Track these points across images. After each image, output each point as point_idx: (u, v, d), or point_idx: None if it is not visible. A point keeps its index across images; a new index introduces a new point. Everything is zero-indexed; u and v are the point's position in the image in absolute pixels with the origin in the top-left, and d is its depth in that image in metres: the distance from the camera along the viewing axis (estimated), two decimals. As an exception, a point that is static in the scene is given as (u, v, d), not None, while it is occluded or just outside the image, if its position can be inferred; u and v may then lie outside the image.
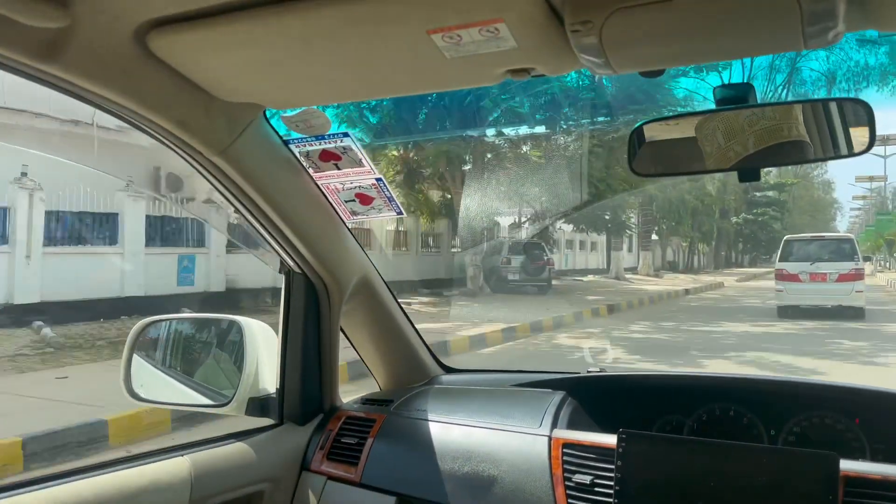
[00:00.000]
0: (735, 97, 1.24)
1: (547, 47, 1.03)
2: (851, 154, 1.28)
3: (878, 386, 1.64)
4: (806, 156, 1.32)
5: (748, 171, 1.28)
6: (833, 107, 1.28)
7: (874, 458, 1.47)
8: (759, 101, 1.25)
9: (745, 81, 1.28)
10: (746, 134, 1.26)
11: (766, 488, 1.23)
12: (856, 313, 14.93)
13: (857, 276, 15.24)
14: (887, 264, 47.16)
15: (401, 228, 21.57)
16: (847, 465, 1.21)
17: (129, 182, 14.03)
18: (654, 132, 1.41)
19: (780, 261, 16.23)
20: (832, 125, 1.28)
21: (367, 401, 1.86)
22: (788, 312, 15.34)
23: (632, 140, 1.39)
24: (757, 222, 50.33)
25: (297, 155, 1.54)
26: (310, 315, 1.74)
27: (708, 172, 1.39)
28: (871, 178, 53.82)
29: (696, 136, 1.32)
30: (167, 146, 1.37)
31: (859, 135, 1.27)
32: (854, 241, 16.87)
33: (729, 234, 48.85)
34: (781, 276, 15.82)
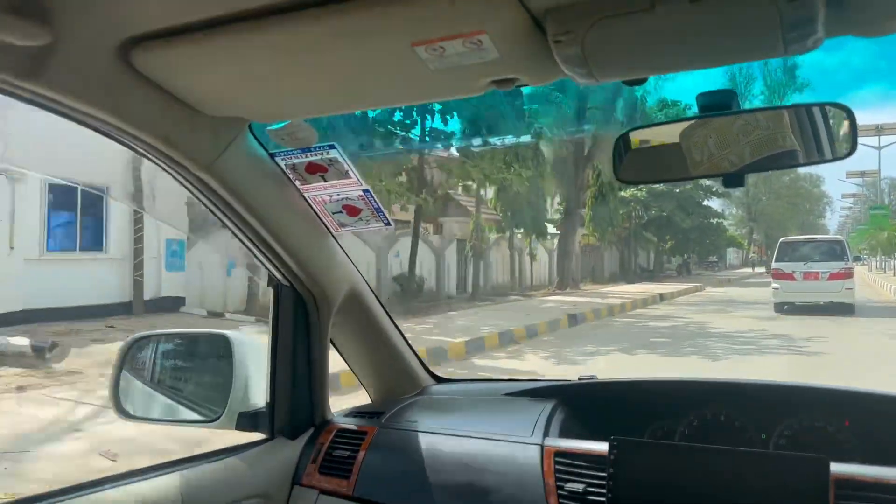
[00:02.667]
0: (718, 104, 1.25)
1: (530, 58, 1.04)
2: (835, 158, 1.30)
3: (869, 388, 1.65)
4: (793, 161, 1.33)
5: (733, 177, 1.28)
6: (816, 111, 1.29)
7: (865, 461, 1.47)
8: (741, 108, 1.26)
9: (728, 88, 1.28)
10: (742, 144, 1.27)
11: (758, 492, 1.23)
12: (846, 309, 16.22)
13: (847, 274, 16.80)
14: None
15: None
16: (838, 468, 1.21)
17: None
18: (638, 140, 1.41)
19: (776, 261, 17.86)
20: (816, 130, 1.29)
21: (358, 413, 1.85)
22: (784, 308, 16.78)
23: (617, 147, 1.40)
24: (675, 198, 30.17)
25: (284, 168, 1.54)
26: (299, 328, 1.73)
27: (696, 178, 1.40)
28: (863, 174, 48.82)
29: (685, 142, 1.33)
30: (152, 161, 1.37)
31: (842, 139, 1.28)
32: (844, 242, 18.50)
33: (610, 215, 25.59)
34: (778, 275, 17.39)
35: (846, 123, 1.26)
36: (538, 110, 19.78)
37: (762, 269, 41.14)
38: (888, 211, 40.95)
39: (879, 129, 37.76)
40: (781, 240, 19.30)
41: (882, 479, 1.20)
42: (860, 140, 1.32)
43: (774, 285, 17.34)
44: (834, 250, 17.44)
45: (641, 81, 1.12)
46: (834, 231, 63.81)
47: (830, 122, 1.29)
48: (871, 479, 1.20)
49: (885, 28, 0.95)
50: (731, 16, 0.92)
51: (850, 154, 1.29)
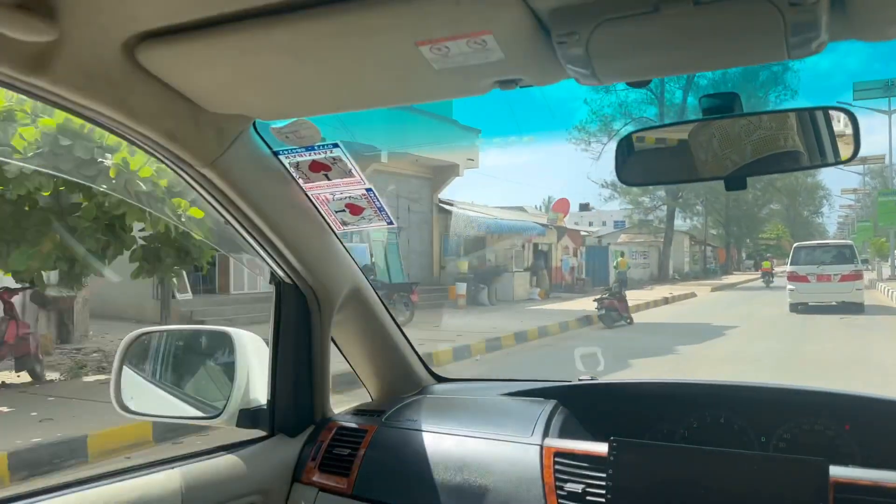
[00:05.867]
0: (721, 106, 1.25)
1: (534, 58, 1.04)
2: (838, 162, 1.30)
3: (869, 392, 1.65)
4: (796, 164, 1.33)
5: (734, 180, 1.29)
6: (819, 115, 1.29)
7: (864, 464, 1.47)
8: (744, 111, 1.27)
9: (731, 91, 1.29)
10: (744, 143, 1.27)
11: (757, 495, 1.24)
12: (856, 308, 17.25)
13: (857, 276, 17.98)
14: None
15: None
16: (837, 472, 1.21)
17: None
18: (641, 141, 1.41)
19: (791, 264, 18.88)
20: (819, 133, 1.29)
21: (358, 411, 1.86)
22: (799, 308, 17.77)
23: (620, 149, 1.40)
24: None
25: (287, 166, 1.54)
26: (300, 326, 1.73)
27: (698, 181, 1.40)
28: (855, 191, 45.37)
29: (689, 143, 1.33)
30: (156, 158, 1.37)
31: (845, 142, 1.28)
32: (853, 246, 19.94)
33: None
34: (793, 277, 18.44)
35: (849, 127, 1.26)
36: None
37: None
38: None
39: (864, 160, 35.39)
40: (795, 245, 20.56)
41: (881, 483, 1.20)
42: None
43: (790, 287, 18.51)
44: (844, 254, 18.71)
45: (645, 83, 1.13)
46: (833, 231, 60.64)
47: (833, 125, 1.29)
48: (871, 482, 1.20)
49: (889, 32, 0.95)
50: (735, 19, 0.93)
51: (853, 158, 1.29)
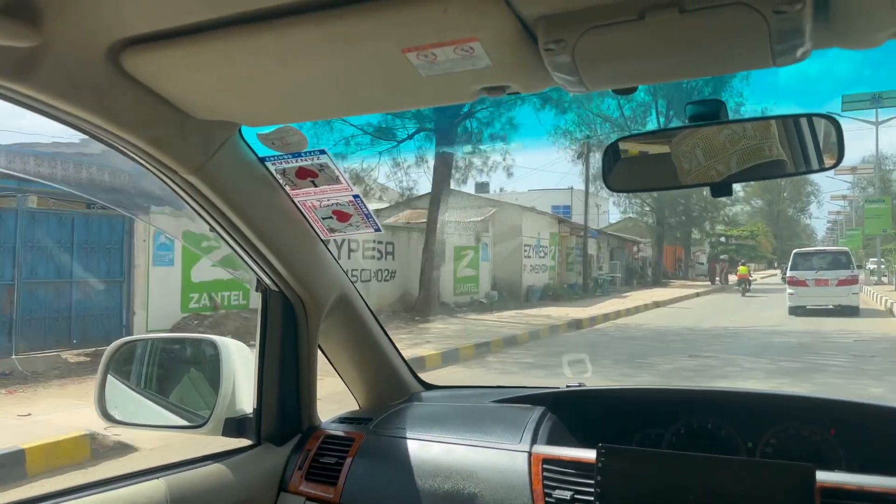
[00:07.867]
0: (707, 113, 1.26)
1: (521, 66, 1.04)
2: (822, 168, 1.31)
3: (854, 398, 1.66)
4: (781, 171, 1.35)
5: (720, 186, 1.29)
6: (803, 122, 1.31)
7: (850, 469, 1.48)
8: (729, 118, 1.27)
9: (716, 98, 1.30)
10: (728, 153, 1.28)
11: (744, 500, 1.24)
12: (852, 311, 18.44)
13: (853, 281, 19.19)
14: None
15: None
16: (823, 477, 1.22)
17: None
18: (628, 148, 1.42)
19: (790, 270, 19.94)
20: (803, 140, 1.30)
21: (345, 419, 1.84)
22: (798, 311, 18.79)
23: (607, 156, 1.40)
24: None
25: (274, 172, 1.54)
26: (287, 333, 1.72)
27: (684, 188, 1.41)
28: (844, 198, 43.11)
29: (674, 152, 1.34)
30: (141, 164, 1.36)
31: (829, 148, 1.29)
32: (850, 253, 21.10)
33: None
34: (792, 282, 19.52)
35: (833, 133, 1.27)
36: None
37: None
38: (888, 204, 27.69)
39: (853, 170, 28.91)
40: (795, 251, 21.59)
41: (866, 488, 1.21)
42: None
43: (790, 291, 19.52)
44: (840, 260, 19.78)
45: (631, 90, 1.13)
46: (822, 235, 60.29)
47: (817, 132, 1.30)
48: (856, 487, 1.21)
49: (872, 40, 0.96)
50: (720, 27, 0.93)
51: (837, 164, 1.30)
